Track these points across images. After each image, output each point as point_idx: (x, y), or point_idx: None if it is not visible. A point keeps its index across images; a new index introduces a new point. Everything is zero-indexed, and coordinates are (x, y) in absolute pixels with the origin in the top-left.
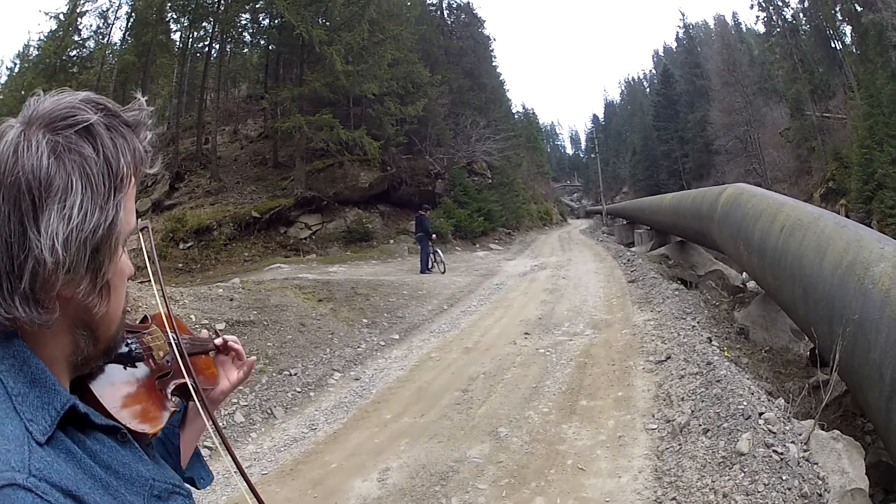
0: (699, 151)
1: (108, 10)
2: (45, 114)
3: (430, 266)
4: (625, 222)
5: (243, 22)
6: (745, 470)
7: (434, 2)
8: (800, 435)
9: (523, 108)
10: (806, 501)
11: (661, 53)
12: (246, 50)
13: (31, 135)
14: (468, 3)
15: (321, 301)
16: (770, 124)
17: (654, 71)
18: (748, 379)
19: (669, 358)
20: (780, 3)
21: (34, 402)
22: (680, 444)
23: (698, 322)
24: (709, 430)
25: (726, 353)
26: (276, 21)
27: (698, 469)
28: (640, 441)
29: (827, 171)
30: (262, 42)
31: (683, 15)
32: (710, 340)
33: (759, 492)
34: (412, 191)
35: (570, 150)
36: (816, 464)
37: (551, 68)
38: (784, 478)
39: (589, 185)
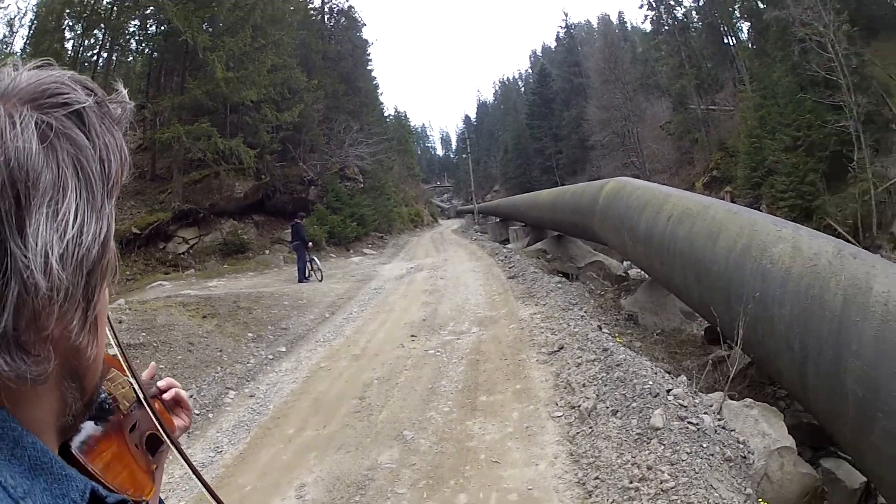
0: (573, 147)
1: (14, 17)
2: (27, 87)
3: (307, 275)
4: (498, 220)
5: (132, 28)
6: (665, 442)
7: (316, 5)
8: (711, 406)
9: (395, 110)
10: (731, 464)
11: (539, 53)
12: (131, 59)
13: (13, 110)
14: (349, 7)
15: (206, 318)
16: (650, 118)
17: (530, 71)
18: (647, 360)
19: (562, 348)
20: (672, 3)
21: (43, 497)
22: (591, 428)
23: (586, 312)
24: (618, 410)
25: (618, 339)
26: (163, 27)
27: (615, 448)
28: (549, 429)
29: (711, 160)
30: (148, 50)
31: (567, 15)
32: (601, 328)
33: (683, 460)
34: (286, 199)
35: (440, 152)
36: (734, 430)
37: (426, 71)
38: (704, 445)
39: (459, 186)
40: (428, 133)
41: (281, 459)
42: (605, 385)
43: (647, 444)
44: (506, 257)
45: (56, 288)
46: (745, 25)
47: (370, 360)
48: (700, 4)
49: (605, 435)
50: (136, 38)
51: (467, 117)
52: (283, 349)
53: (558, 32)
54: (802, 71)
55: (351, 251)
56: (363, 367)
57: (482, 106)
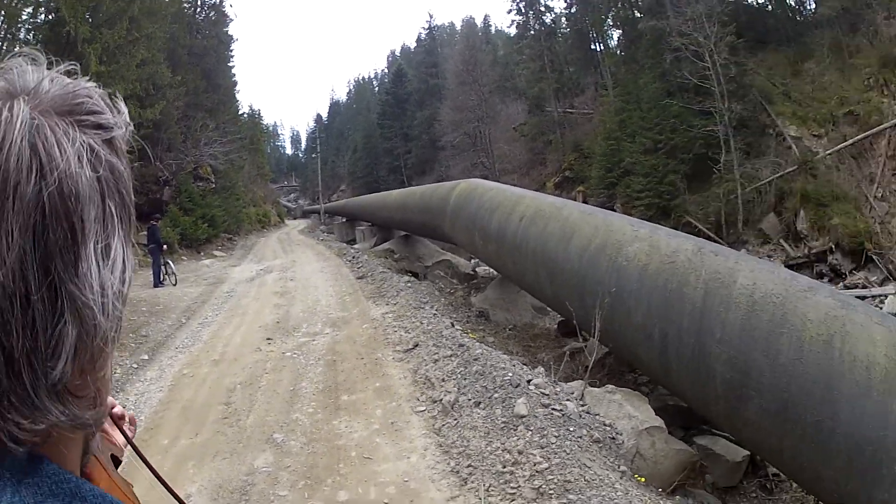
0: (423, 147)
1: None
2: (59, 95)
3: (161, 279)
4: (345, 220)
5: (24, 16)
6: (532, 428)
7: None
8: (572, 393)
9: (250, 108)
10: (601, 445)
11: (397, 54)
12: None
13: (53, 124)
14: (220, 0)
15: None
16: (503, 120)
17: (386, 71)
18: (503, 354)
19: (417, 345)
20: (541, 9)
21: None
22: (455, 419)
23: (437, 310)
24: (480, 402)
25: (472, 335)
26: (51, 16)
27: (483, 436)
28: (414, 423)
29: (564, 161)
30: (34, 41)
31: (431, 17)
32: (454, 325)
33: (552, 444)
34: (141, 200)
35: (290, 151)
36: (598, 415)
37: (282, 69)
38: (571, 429)
39: (307, 185)
40: (279, 132)
41: (161, 471)
42: (465, 379)
43: (515, 430)
44: (353, 257)
45: (115, 328)
46: (617, 33)
47: (230, 364)
48: (572, 11)
49: (470, 425)
50: (27, 27)
51: (319, 116)
52: (146, 357)
53: (420, 34)
54: (672, 78)
55: (202, 253)
56: (224, 373)
57: (335, 105)
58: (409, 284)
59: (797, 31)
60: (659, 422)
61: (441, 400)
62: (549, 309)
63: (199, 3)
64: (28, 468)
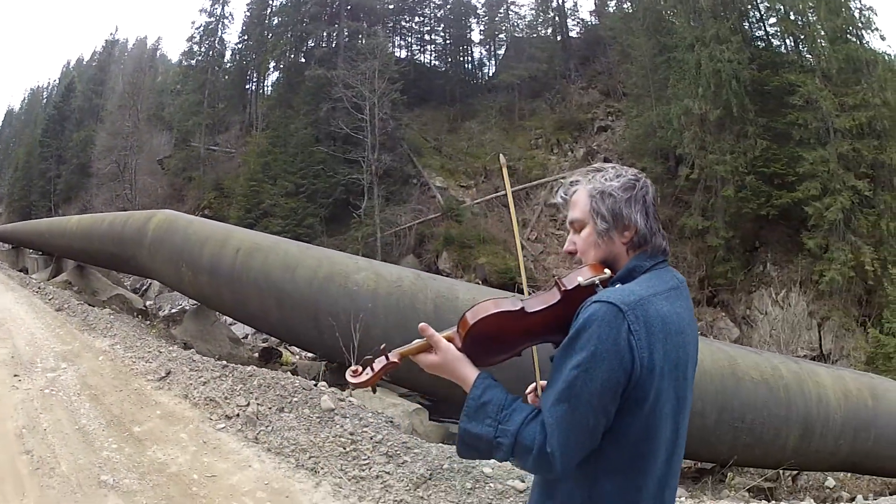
0: (73, 172)
1: None
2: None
3: None
4: (10, 247)
5: None
6: (347, 416)
7: None
8: (335, 392)
9: None
10: (390, 424)
11: (72, 65)
12: None
13: None
14: None
15: None
16: (149, 151)
17: (58, 82)
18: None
19: (170, 372)
20: (215, 43)
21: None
22: (268, 426)
23: (155, 338)
24: (283, 407)
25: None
26: None
27: (306, 431)
28: (226, 439)
29: (204, 199)
30: None
31: (116, 29)
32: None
33: (370, 424)
34: None
35: None
36: (363, 406)
37: None
38: (368, 416)
39: None
40: None
41: None
42: (251, 392)
43: (333, 420)
44: (40, 288)
45: None
46: (275, 75)
47: None
48: (241, 48)
49: (287, 427)
50: None
51: None
52: None
53: (95, 47)
54: (325, 126)
55: None
56: None
57: (9, 114)
58: (112, 315)
59: (465, 92)
60: (419, 407)
61: (238, 415)
62: (242, 341)
63: None
64: None
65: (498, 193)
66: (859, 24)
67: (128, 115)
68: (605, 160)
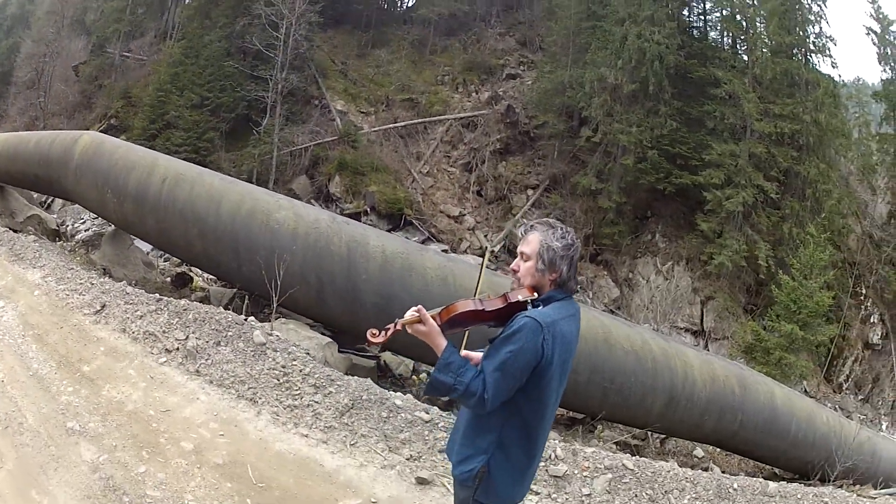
0: None
1: None
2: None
3: None
4: None
5: None
6: (278, 350)
7: None
8: (264, 326)
9: None
10: (308, 356)
11: None
12: None
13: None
14: None
15: None
16: (66, 57)
17: None
18: (194, 301)
19: (105, 305)
20: None
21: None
22: (207, 359)
23: (82, 267)
24: (220, 341)
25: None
26: None
27: (243, 364)
28: (170, 373)
29: (112, 107)
30: None
31: None
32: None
33: (297, 358)
34: None
35: None
36: (287, 340)
37: None
38: (291, 348)
39: None
40: None
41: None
42: (188, 326)
43: (265, 354)
44: None
45: None
46: None
47: None
48: None
49: (225, 360)
50: None
51: None
52: None
53: None
54: (240, 41)
55: None
56: None
57: None
58: (36, 242)
59: (381, 19)
60: (330, 341)
61: (178, 348)
62: (154, 264)
63: None
64: None
65: (396, 125)
66: (810, 47)
67: (53, 21)
68: (509, 107)
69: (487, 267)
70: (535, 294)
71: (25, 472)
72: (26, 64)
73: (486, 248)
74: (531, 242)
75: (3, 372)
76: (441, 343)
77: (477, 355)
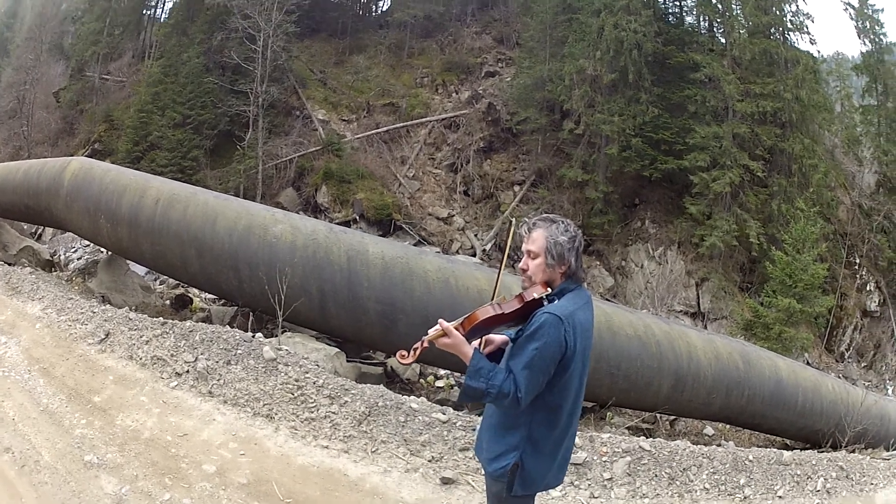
0: None
1: None
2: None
3: None
4: None
5: None
6: (289, 364)
7: None
8: (271, 342)
9: None
10: (319, 368)
11: None
12: None
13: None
14: None
15: None
16: (45, 83)
17: None
18: (203, 323)
19: (109, 334)
20: None
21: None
22: (219, 379)
23: (81, 296)
24: (230, 360)
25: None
26: None
27: (255, 381)
28: (182, 396)
29: (95, 132)
30: None
31: None
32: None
33: (310, 370)
34: None
35: None
36: (297, 353)
37: None
38: (300, 362)
39: None
40: None
41: None
42: (196, 348)
43: (276, 369)
44: None
45: None
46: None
47: None
48: None
49: (237, 379)
50: None
51: None
52: None
53: None
54: (218, 56)
55: None
56: None
57: None
58: (33, 274)
59: (357, 26)
60: (338, 351)
61: (188, 371)
62: (152, 288)
63: None
64: None
65: (378, 130)
66: (788, 26)
67: (32, 48)
68: (490, 105)
69: (486, 266)
70: (549, 289)
71: None
72: (7, 93)
73: (508, 244)
74: (537, 240)
75: (14, 409)
76: (468, 352)
77: (498, 338)
